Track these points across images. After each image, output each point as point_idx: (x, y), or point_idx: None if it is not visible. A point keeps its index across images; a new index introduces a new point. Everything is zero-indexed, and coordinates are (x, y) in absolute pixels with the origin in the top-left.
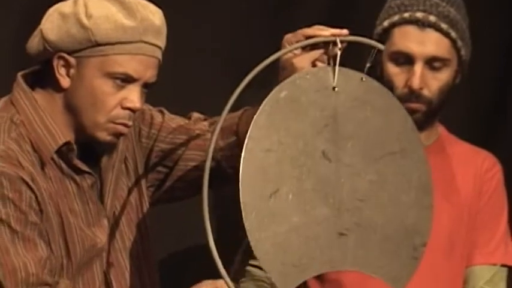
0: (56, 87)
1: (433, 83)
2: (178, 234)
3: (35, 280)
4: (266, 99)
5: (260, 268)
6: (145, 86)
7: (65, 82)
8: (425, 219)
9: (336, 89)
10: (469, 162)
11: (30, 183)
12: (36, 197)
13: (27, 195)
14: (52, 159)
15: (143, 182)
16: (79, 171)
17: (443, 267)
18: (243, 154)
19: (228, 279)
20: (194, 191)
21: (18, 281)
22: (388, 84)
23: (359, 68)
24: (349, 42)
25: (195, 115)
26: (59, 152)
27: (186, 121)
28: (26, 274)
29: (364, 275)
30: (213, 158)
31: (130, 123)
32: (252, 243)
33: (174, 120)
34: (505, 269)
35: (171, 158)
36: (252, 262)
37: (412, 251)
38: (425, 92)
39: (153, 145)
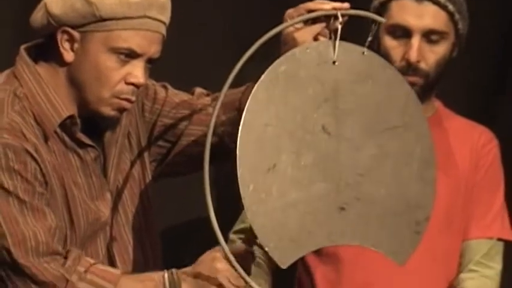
0: (60, 61)
1: (430, 56)
2: (179, 208)
3: (45, 248)
4: (265, 73)
5: (255, 244)
6: (150, 61)
7: (68, 56)
8: (428, 193)
9: (336, 63)
10: (466, 137)
11: (35, 154)
12: (41, 169)
13: (32, 167)
14: (55, 132)
15: (146, 157)
16: (82, 145)
17: (441, 241)
18: (240, 127)
19: (227, 251)
20: (196, 166)
21: (28, 250)
22: (385, 58)
23: (361, 43)
24: (351, 16)
25: (198, 90)
26: (62, 125)
27: (190, 96)
28: (35, 243)
29: (362, 249)
30: (215, 133)
31: (134, 98)
32: (249, 218)
33: (178, 96)
34: (501, 243)
35: (174, 133)
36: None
37: (415, 225)
38: (422, 65)
39: (156, 120)
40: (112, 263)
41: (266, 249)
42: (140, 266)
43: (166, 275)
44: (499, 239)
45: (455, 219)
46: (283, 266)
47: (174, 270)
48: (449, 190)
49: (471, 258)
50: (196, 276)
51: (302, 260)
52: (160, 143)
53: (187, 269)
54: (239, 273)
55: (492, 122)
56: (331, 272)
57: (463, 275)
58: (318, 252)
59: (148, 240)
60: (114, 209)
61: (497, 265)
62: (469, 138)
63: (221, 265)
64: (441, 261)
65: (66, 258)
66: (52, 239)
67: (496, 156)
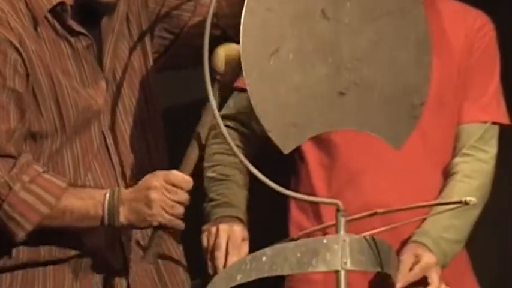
0: None
1: None
2: (178, 91)
3: None
4: None
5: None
6: None
7: None
8: (423, 77)
9: None
10: (460, 20)
11: (18, 45)
12: (23, 60)
13: (12, 58)
14: (46, 19)
15: (148, 47)
16: (74, 33)
17: (431, 125)
18: (243, 13)
19: (219, 120)
20: (199, 58)
21: None
22: None
23: None
24: None
25: None
26: (53, 12)
27: None
28: None
29: (356, 135)
30: (218, 26)
31: None
32: (252, 103)
33: None
34: (496, 127)
35: (177, 24)
36: None
37: (411, 109)
38: None
39: (160, 10)
40: (108, 152)
41: (269, 134)
42: (142, 155)
43: (107, 195)
44: (494, 123)
45: (448, 103)
46: (286, 151)
47: (116, 190)
48: (442, 73)
49: (465, 142)
50: (133, 201)
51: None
52: (164, 34)
53: (128, 191)
54: (227, 142)
55: (491, 12)
56: (325, 158)
57: (457, 159)
58: (312, 138)
59: (151, 130)
60: (110, 97)
61: (492, 149)
62: (464, 22)
63: (155, 195)
64: (433, 145)
65: (16, 163)
66: (7, 141)
67: (491, 39)
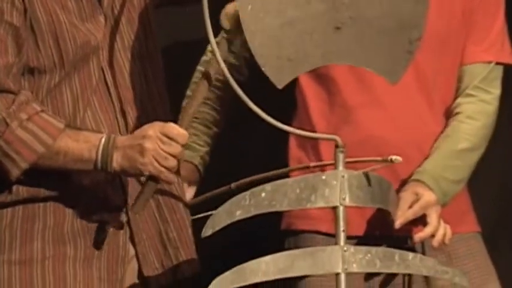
0: None
1: None
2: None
3: None
4: None
5: None
6: None
7: None
8: (420, 12)
9: None
10: None
11: None
12: None
13: None
14: None
15: None
16: None
17: (428, 63)
18: None
19: (218, 54)
20: None
21: None
22: None
23: None
24: None
25: None
26: None
27: None
28: None
29: (353, 69)
30: None
31: None
32: (247, 37)
33: None
34: (500, 67)
35: None
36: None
37: (408, 44)
38: None
39: None
40: (107, 88)
41: (263, 69)
42: (141, 91)
43: (103, 140)
44: (498, 63)
45: (450, 43)
46: (280, 86)
47: (112, 136)
48: (441, 13)
49: (468, 83)
50: (127, 148)
51: (296, 82)
52: None
53: (124, 138)
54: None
55: None
56: (324, 93)
57: (460, 99)
58: (310, 73)
59: (150, 66)
60: (109, 33)
61: (495, 90)
62: None
63: (149, 144)
64: (430, 84)
65: (15, 100)
66: (6, 76)
67: None
